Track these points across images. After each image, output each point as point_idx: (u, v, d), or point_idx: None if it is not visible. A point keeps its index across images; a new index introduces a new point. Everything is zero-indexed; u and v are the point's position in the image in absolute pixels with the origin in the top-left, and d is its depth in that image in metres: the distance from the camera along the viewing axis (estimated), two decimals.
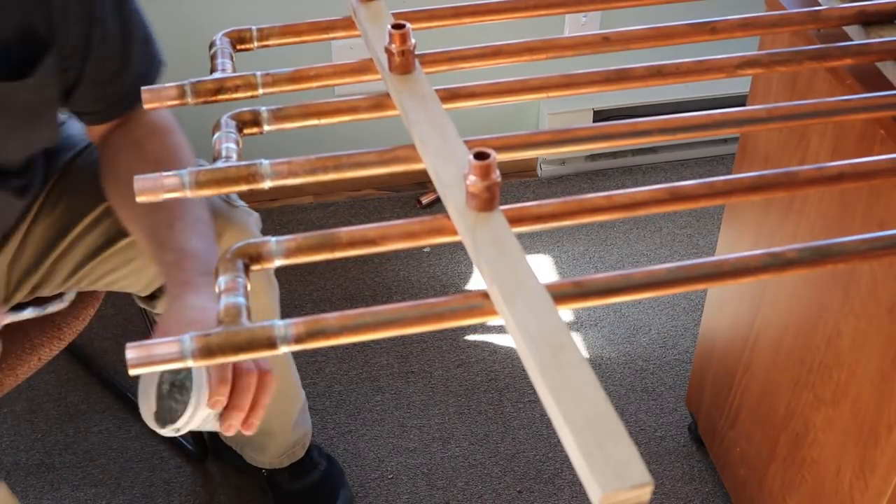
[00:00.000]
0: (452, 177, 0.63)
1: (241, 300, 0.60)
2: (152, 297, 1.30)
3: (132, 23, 1.10)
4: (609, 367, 1.76)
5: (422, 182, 2.12)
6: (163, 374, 0.97)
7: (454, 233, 0.62)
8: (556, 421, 0.49)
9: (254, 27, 0.82)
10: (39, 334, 1.30)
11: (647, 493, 0.46)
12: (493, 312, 0.58)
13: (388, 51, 0.72)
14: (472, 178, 0.59)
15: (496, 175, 0.59)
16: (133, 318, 1.80)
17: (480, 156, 0.58)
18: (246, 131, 0.73)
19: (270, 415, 1.45)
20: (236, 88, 0.76)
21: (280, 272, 1.20)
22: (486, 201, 0.60)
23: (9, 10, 0.99)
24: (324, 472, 1.53)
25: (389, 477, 1.60)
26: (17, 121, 1.06)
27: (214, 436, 1.58)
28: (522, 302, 0.54)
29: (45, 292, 1.27)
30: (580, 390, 0.50)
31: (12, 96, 1.03)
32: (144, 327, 1.45)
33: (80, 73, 1.07)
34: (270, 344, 0.58)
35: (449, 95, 0.75)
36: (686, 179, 0.65)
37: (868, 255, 0.61)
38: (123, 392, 1.71)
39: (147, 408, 0.97)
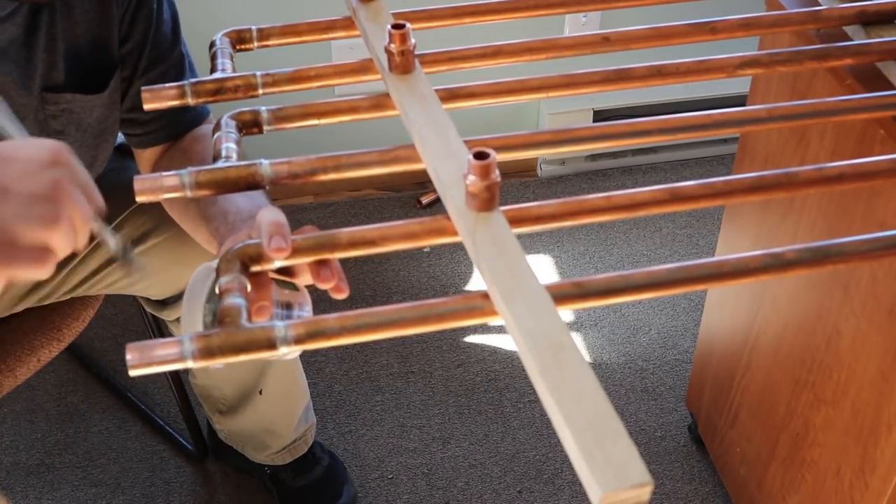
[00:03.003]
0: (452, 177, 0.63)
1: (241, 301, 0.61)
2: (163, 304, 1.30)
3: (184, 45, 1.12)
4: (609, 367, 1.76)
5: (422, 182, 2.12)
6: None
7: (454, 233, 0.62)
8: (556, 421, 0.49)
9: (254, 27, 0.82)
10: (39, 335, 1.30)
11: (646, 492, 0.46)
12: (493, 313, 0.58)
13: (388, 51, 0.72)
14: (471, 177, 0.59)
15: (496, 175, 0.59)
16: (133, 318, 1.80)
17: (480, 156, 0.58)
18: (246, 131, 0.73)
19: (275, 414, 1.46)
20: (236, 89, 0.76)
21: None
22: (486, 201, 0.60)
23: (85, 24, 1.01)
24: (327, 467, 1.53)
25: (389, 477, 1.60)
26: (88, 136, 1.07)
27: (214, 436, 1.58)
28: (522, 302, 0.54)
29: (52, 299, 1.27)
30: (580, 390, 0.50)
31: (88, 111, 1.05)
32: (144, 328, 1.45)
33: (133, 74, 1.08)
34: (270, 345, 0.58)
35: (449, 95, 0.75)
36: (686, 179, 0.65)
37: (868, 256, 0.61)
38: (123, 392, 1.71)
39: (192, 325, 0.85)
